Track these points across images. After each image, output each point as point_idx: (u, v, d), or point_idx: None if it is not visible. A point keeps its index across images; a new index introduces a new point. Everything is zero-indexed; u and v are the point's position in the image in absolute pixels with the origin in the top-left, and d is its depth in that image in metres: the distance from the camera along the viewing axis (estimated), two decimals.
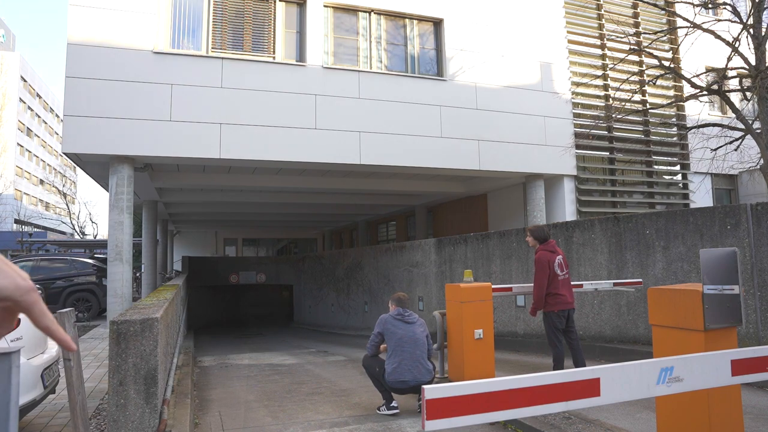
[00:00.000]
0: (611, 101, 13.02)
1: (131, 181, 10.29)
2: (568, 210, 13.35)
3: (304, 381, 7.37)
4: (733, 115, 10.10)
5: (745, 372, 2.21)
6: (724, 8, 10.48)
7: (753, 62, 9.62)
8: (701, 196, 14.81)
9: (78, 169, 20.51)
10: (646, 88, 13.75)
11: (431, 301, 11.89)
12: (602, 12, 14.23)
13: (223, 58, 10.67)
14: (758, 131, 9.64)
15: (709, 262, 3.18)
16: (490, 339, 6.00)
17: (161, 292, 6.97)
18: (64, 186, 54.58)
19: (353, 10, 12.10)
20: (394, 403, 5.23)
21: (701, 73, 11.45)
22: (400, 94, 11.82)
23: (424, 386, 1.70)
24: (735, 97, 11.83)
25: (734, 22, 9.88)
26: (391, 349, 5.23)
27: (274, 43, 11.22)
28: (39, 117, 60.75)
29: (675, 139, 14.88)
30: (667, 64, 11.89)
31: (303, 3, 11.59)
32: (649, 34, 12.55)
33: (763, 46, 9.40)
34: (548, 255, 5.87)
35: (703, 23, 10.15)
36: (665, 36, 13.74)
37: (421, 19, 12.63)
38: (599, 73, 13.74)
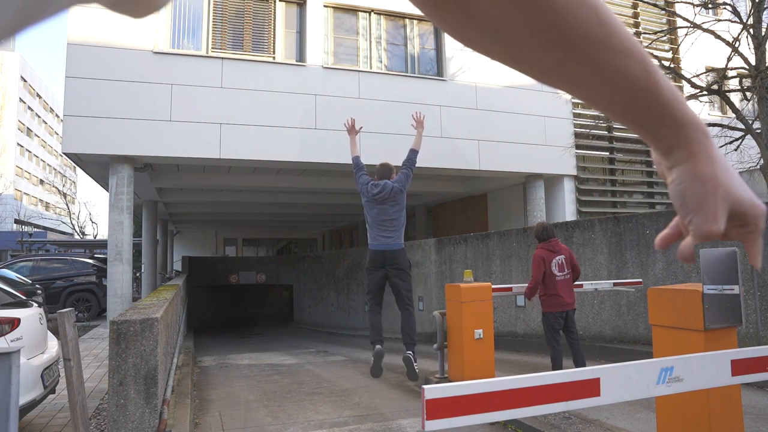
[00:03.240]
0: None
1: (131, 181, 10.29)
2: (568, 210, 13.34)
3: (304, 381, 7.37)
4: (733, 115, 10.10)
5: (745, 372, 2.21)
6: (724, 8, 10.49)
7: (753, 62, 9.63)
8: None
9: (78, 169, 20.50)
10: None
11: (431, 301, 11.88)
12: None
13: (223, 58, 10.67)
14: (758, 131, 9.64)
15: (709, 262, 3.18)
16: (490, 339, 6.00)
17: (161, 292, 6.97)
18: (64, 186, 54.50)
19: (353, 10, 12.10)
20: (378, 346, 5.58)
21: (701, 73, 11.46)
22: (399, 94, 11.81)
23: (424, 386, 1.69)
24: (735, 97, 11.82)
25: (734, 22, 9.89)
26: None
27: (274, 43, 11.22)
28: (39, 117, 60.74)
29: None
30: (667, 64, 11.90)
31: (303, 3, 11.58)
32: (649, 34, 12.56)
33: (763, 46, 9.41)
34: (545, 253, 5.86)
35: (703, 23, 10.16)
36: (665, 36, 13.73)
37: (421, 19, 12.62)
38: None
